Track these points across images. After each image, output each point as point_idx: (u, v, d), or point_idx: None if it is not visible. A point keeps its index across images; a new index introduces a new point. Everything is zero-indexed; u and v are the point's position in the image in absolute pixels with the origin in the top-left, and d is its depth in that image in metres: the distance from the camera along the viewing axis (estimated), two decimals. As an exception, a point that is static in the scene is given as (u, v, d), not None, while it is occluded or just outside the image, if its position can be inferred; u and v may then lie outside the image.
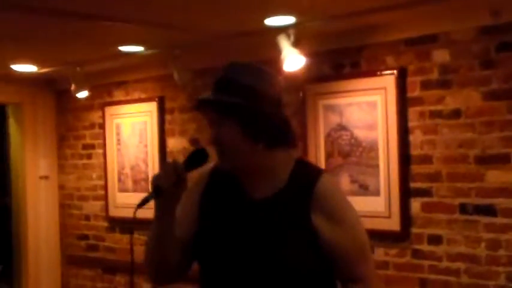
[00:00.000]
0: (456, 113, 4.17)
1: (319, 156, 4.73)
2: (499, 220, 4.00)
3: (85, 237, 6.61)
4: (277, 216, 2.19)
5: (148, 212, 2.23)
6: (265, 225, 2.18)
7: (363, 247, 2.25)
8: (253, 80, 2.17)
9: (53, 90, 6.82)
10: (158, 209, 2.23)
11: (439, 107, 4.24)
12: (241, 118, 2.14)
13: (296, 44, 4.33)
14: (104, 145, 6.29)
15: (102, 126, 6.33)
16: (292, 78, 4.49)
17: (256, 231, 2.18)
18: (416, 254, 4.34)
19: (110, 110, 6.26)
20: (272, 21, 4.26)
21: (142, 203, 2.16)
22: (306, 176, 2.23)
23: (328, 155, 4.70)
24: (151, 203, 2.19)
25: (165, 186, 2.14)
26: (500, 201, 3.99)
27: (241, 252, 2.18)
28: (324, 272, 2.22)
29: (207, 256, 2.26)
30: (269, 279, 2.14)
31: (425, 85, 4.30)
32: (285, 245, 2.15)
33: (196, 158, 2.21)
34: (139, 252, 2.34)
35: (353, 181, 4.58)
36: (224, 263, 2.21)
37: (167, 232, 2.23)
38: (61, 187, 6.86)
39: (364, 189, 4.53)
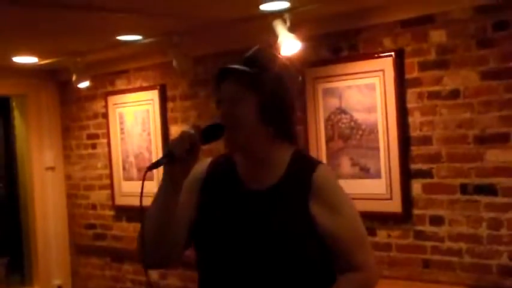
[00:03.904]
0: (454, 94, 4.15)
1: (319, 140, 4.73)
2: (499, 199, 3.99)
3: (92, 226, 6.66)
4: (275, 208, 2.19)
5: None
6: (263, 216, 2.18)
7: (360, 235, 2.25)
8: (280, 67, 2.21)
9: (56, 81, 6.85)
10: (166, 177, 2.14)
11: (437, 88, 4.22)
12: (262, 98, 2.15)
13: (292, 28, 4.33)
14: (108, 134, 6.32)
15: (105, 115, 6.35)
16: (290, 62, 4.48)
17: (255, 223, 2.18)
18: (419, 235, 4.34)
19: (112, 100, 6.28)
20: (267, 6, 4.26)
21: (154, 166, 2.09)
22: (304, 167, 2.23)
23: (329, 139, 4.70)
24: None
25: (178, 153, 2.06)
26: (500, 181, 3.98)
27: (240, 243, 2.18)
28: (323, 263, 2.21)
29: (206, 247, 2.26)
30: (268, 270, 2.14)
31: (423, 66, 4.28)
32: (284, 236, 2.15)
33: (212, 131, 2.16)
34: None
35: (354, 164, 4.58)
36: (223, 254, 2.21)
37: (171, 206, 2.15)
38: (67, 177, 6.90)
39: (365, 172, 4.53)
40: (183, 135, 2.12)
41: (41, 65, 6.09)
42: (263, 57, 2.22)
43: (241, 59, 2.22)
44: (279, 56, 2.29)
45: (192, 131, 2.13)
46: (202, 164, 2.32)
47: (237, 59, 2.22)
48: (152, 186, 2.16)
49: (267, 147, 2.21)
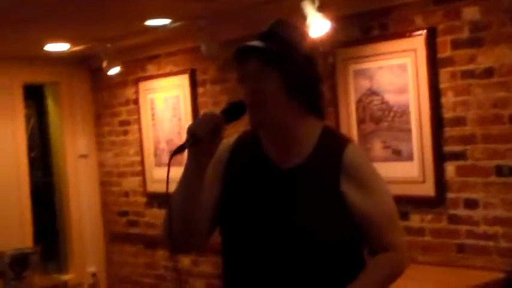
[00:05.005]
0: (489, 72, 4.01)
1: (350, 123, 4.63)
2: (536, 181, 3.86)
3: (125, 213, 6.65)
4: (305, 186, 2.13)
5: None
6: (293, 195, 2.12)
7: (392, 216, 2.20)
8: (300, 39, 2.17)
9: (87, 68, 6.85)
10: (191, 160, 2.09)
11: (471, 67, 4.08)
12: (287, 72, 2.09)
13: (321, 8, 4.24)
14: (139, 121, 6.29)
15: (136, 101, 6.33)
16: (321, 43, 4.40)
17: (284, 202, 2.12)
18: (453, 219, 4.22)
19: (143, 85, 6.24)
20: (295, -14, 4.17)
21: (178, 150, 2.04)
22: (333, 144, 2.17)
23: (360, 121, 4.60)
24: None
25: (202, 134, 2.02)
26: (537, 162, 3.85)
27: (269, 223, 2.12)
28: (353, 242, 2.16)
29: (233, 228, 2.20)
30: (298, 250, 2.08)
31: (456, 44, 4.14)
32: (315, 215, 2.09)
33: (233, 110, 2.12)
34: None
35: (386, 147, 4.47)
36: (251, 235, 2.15)
37: (197, 189, 2.10)
38: (100, 164, 6.90)
39: (397, 155, 4.41)
40: (205, 116, 2.08)
41: (73, 52, 6.09)
42: (283, 30, 2.16)
43: (260, 34, 2.16)
44: (298, 26, 2.23)
45: (214, 112, 2.09)
46: (226, 143, 2.25)
47: (256, 35, 2.16)
48: (178, 172, 2.09)
49: (295, 122, 2.15)
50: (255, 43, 2.12)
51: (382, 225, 2.15)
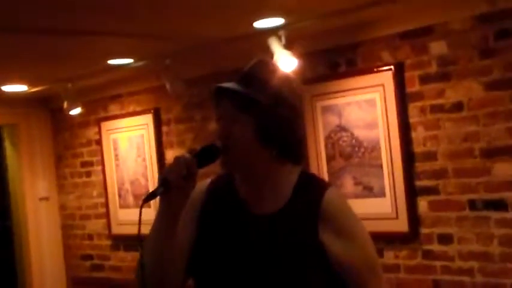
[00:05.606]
0: (458, 106, 4.01)
1: (320, 160, 4.58)
2: (510, 214, 3.83)
3: (89, 257, 6.48)
4: (282, 234, 2.02)
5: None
6: (269, 243, 2.02)
7: (374, 265, 2.09)
8: (279, 83, 2.02)
9: (47, 109, 6.71)
10: (163, 206, 1.99)
11: (439, 101, 4.08)
12: (259, 118, 1.98)
13: (288, 45, 4.20)
14: (102, 162, 6.16)
15: (99, 142, 6.20)
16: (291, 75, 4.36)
17: (260, 251, 2.02)
18: (427, 254, 4.18)
19: (106, 125, 6.13)
20: (261, 23, 4.13)
21: (149, 197, 1.94)
22: (312, 190, 2.06)
23: (330, 158, 4.56)
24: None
25: (174, 180, 1.92)
26: (510, 195, 3.83)
27: (244, 274, 2.01)
28: None
29: (207, 277, 2.09)
30: None
31: (424, 79, 4.14)
32: (292, 265, 1.99)
33: (207, 153, 2.01)
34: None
35: (357, 183, 4.43)
36: (224, 284, 2.05)
37: (169, 237, 2.00)
38: (62, 207, 6.73)
39: (369, 191, 4.38)
40: (177, 161, 1.96)
41: (31, 92, 5.96)
42: (260, 73, 2.03)
43: (238, 75, 2.05)
44: (279, 69, 2.10)
45: (187, 155, 1.98)
46: (201, 186, 2.14)
47: (235, 75, 2.05)
48: (149, 214, 1.99)
49: (269, 169, 2.04)
50: (229, 85, 2.03)
51: (363, 275, 2.04)
